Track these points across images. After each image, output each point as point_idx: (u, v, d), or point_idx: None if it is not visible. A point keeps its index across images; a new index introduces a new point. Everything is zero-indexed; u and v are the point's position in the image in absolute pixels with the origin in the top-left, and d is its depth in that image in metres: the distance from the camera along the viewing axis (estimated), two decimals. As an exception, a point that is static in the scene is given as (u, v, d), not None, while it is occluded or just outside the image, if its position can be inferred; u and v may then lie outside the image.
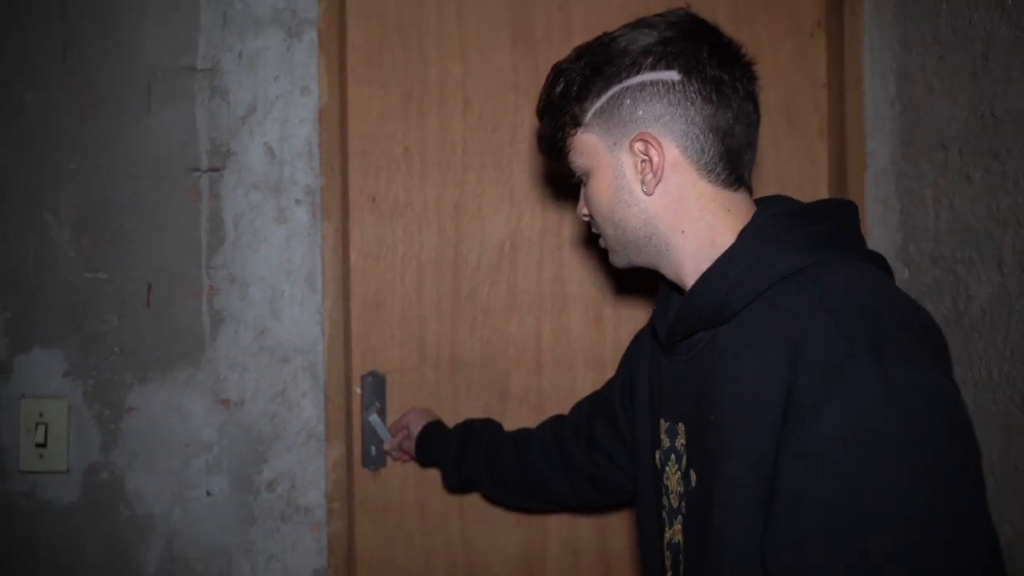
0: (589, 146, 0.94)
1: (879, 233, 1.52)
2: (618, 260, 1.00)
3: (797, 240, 0.85)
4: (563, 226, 1.61)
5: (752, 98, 0.92)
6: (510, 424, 1.58)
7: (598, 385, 1.38)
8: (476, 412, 1.60)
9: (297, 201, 1.51)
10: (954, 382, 0.77)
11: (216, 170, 1.50)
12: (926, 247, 1.38)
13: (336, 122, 1.54)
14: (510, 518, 1.61)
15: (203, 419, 1.49)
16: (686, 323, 0.92)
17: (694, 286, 0.90)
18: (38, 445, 1.44)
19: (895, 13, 1.47)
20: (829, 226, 0.88)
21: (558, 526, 1.62)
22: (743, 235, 0.88)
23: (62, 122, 1.48)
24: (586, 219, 1.02)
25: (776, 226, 0.88)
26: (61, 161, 1.48)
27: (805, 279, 0.82)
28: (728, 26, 1.58)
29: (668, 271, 0.96)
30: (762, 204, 0.94)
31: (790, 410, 0.77)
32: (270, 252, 1.51)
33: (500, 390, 1.62)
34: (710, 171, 0.90)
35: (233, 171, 1.50)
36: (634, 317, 1.61)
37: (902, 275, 1.45)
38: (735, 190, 0.92)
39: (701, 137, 0.89)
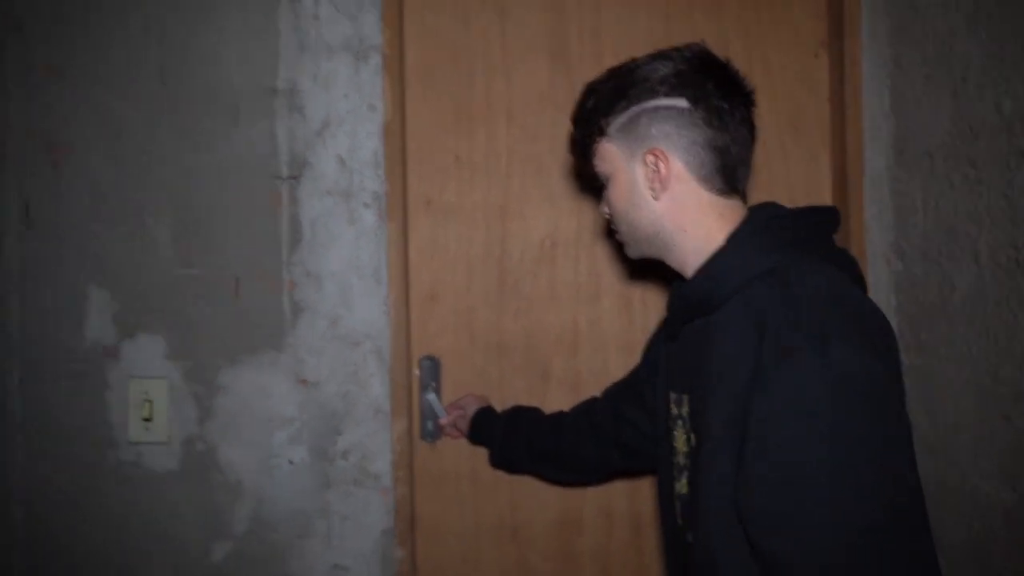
0: (610, 154, 1.12)
1: (876, 230, 1.72)
2: (632, 252, 1.19)
3: (773, 243, 1.03)
4: (597, 225, 1.80)
5: (748, 122, 1.10)
6: (551, 400, 1.78)
7: (629, 366, 1.57)
8: (519, 392, 1.80)
9: (365, 205, 1.71)
10: (889, 366, 0.94)
11: (295, 178, 1.70)
12: (916, 243, 1.59)
13: (398, 135, 1.73)
14: (552, 486, 1.80)
15: (285, 397, 1.69)
16: (685, 310, 1.11)
17: (690, 280, 1.10)
18: (144, 419, 1.65)
19: (888, 37, 1.67)
20: (803, 231, 1.05)
21: (594, 492, 1.80)
22: (731, 238, 1.06)
23: (160, 137, 1.68)
24: (607, 216, 1.20)
25: (758, 231, 1.05)
26: (160, 171, 1.68)
27: (774, 277, 0.99)
28: (741, 49, 1.83)
29: (674, 263, 1.14)
30: (752, 211, 1.10)
31: (754, 382, 0.94)
32: (342, 250, 1.71)
33: (541, 372, 1.81)
34: (708, 182, 1.07)
35: (309, 179, 1.70)
36: (660, 306, 1.79)
37: (896, 267, 1.66)
38: (729, 198, 1.09)
39: (702, 154, 1.06)
